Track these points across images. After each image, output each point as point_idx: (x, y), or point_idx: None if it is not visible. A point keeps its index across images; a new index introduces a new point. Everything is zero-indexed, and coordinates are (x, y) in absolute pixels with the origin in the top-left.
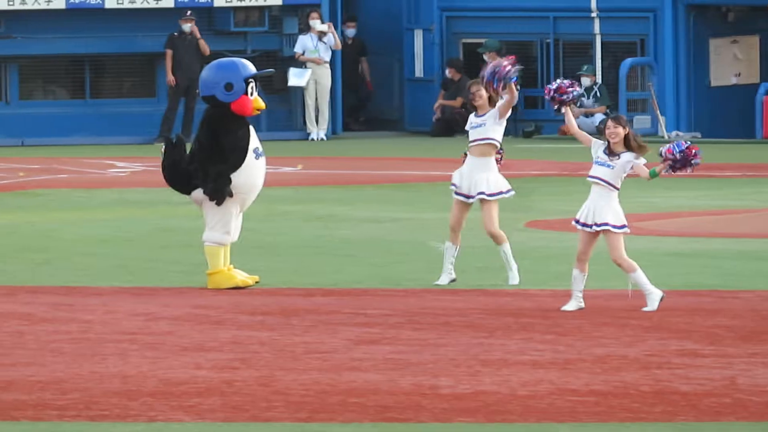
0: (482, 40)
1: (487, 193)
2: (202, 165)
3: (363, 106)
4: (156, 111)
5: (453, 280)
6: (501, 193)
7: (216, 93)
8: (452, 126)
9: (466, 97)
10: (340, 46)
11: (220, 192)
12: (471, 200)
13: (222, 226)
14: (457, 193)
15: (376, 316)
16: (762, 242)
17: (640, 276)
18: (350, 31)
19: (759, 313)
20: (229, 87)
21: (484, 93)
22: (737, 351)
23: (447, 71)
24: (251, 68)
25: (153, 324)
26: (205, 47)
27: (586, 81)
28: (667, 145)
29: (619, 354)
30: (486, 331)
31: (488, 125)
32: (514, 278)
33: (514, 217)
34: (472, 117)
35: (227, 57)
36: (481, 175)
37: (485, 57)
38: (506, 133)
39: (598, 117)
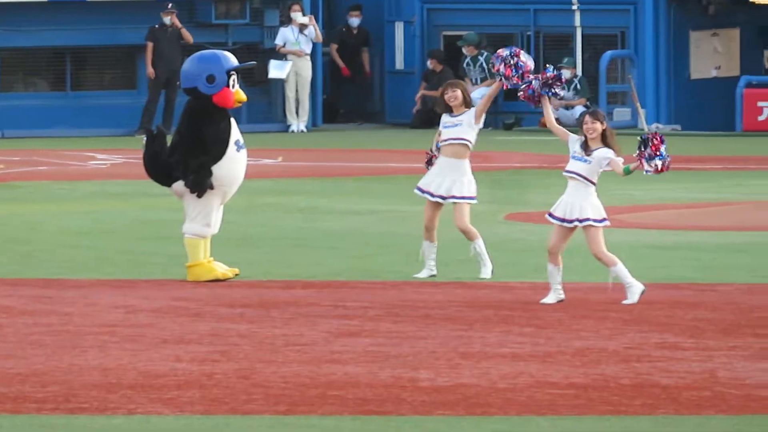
0: (463, 33)
1: (458, 196)
2: (183, 157)
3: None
4: (137, 103)
5: (433, 276)
6: (473, 198)
7: (198, 85)
8: (433, 117)
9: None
10: (321, 39)
11: (201, 184)
12: (444, 201)
13: (202, 218)
14: (430, 194)
15: (356, 308)
16: (742, 235)
17: (621, 269)
18: (354, 21)
19: (739, 306)
20: (211, 79)
21: (459, 95)
22: (717, 344)
23: (429, 62)
24: (233, 60)
25: (133, 316)
26: (189, 36)
27: (566, 73)
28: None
29: (599, 347)
30: (465, 323)
31: (464, 125)
32: (487, 273)
33: (494, 210)
34: (446, 116)
35: (208, 49)
36: (455, 177)
37: (464, 50)
38: (486, 125)
39: (578, 109)
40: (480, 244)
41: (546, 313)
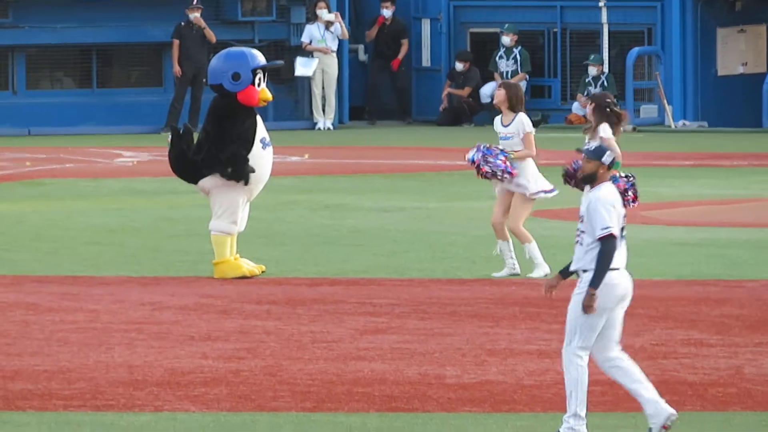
0: (489, 30)
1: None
2: (212, 153)
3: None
4: (163, 100)
5: (515, 274)
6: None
7: (223, 82)
8: (459, 115)
9: (474, 87)
10: (347, 36)
11: (241, 172)
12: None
13: (229, 216)
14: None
15: (383, 305)
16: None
17: (534, 248)
18: (387, 12)
19: (765, 303)
20: (236, 77)
21: (502, 94)
22: (743, 340)
23: (458, 65)
24: (260, 59)
25: (159, 313)
26: (212, 35)
27: (592, 70)
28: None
29: (626, 343)
30: (492, 320)
31: (515, 139)
32: (539, 271)
33: None
34: (498, 123)
35: (235, 46)
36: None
37: (504, 39)
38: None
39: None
40: (532, 247)
41: None
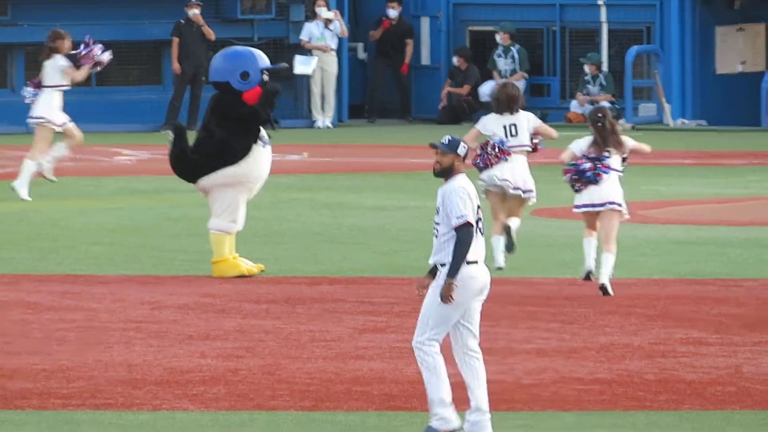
0: (488, 28)
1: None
2: (215, 151)
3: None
4: (162, 99)
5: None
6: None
7: (231, 80)
8: (458, 113)
9: (473, 85)
10: (346, 34)
11: (271, 95)
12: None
13: (228, 215)
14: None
15: (382, 304)
16: (767, 230)
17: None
18: (392, 12)
19: (764, 302)
20: (245, 76)
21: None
22: (742, 339)
23: (455, 59)
24: (266, 60)
25: (158, 312)
26: (210, 33)
27: (586, 69)
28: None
29: (624, 342)
30: (491, 319)
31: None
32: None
33: None
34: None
35: (235, 45)
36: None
37: (498, 38)
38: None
39: (604, 105)
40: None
41: (571, 308)
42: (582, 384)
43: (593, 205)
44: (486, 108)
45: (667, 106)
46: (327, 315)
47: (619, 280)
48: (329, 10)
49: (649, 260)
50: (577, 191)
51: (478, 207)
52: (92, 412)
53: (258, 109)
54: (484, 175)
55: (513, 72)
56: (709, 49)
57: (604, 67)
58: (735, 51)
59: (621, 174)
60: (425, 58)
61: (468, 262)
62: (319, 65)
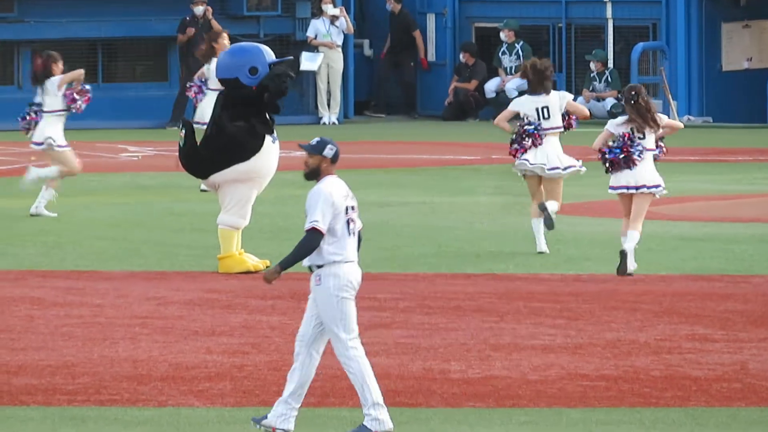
0: (495, 24)
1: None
2: (228, 147)
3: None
4: (168, 95)
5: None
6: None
7: (240, 76)
8: (465, 109)
9: (481, 81)
10: (352, 30)
11: (280, 77)
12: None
13: (239, 210)
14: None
15: (387, 300)
16: None
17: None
18: (389, 6)
19: None
20: (254, 71)
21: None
22: (748, 336)
23: (461, 55)
24: (273, 55)
25: (164, 308)
26: (218, 27)
27: (592, 66)
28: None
29: (630, 339)
30: (497, 315)
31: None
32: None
33: (525, 202)
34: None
35: (240, 41)
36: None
37: (502, 36)
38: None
39: (609, 101)
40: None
41: (577, 304)
42: (587, 380)
43: (627, 188)
44: (492, 104)
45: (673, 103)
46: None
47: (625, 276)
48: (335, 6)
49: (655, 256)
50: (612, 173)
51: (352, 207)
52: (97, 408)
53: (263, 88)
54: (518, 161)
55: (518, 68)
56: (715, 45)
57: (610, 64)
58: (741, 48)
59: (656, 153)
60: (431, 55)
61: (344, 262)
62: (325, 62)
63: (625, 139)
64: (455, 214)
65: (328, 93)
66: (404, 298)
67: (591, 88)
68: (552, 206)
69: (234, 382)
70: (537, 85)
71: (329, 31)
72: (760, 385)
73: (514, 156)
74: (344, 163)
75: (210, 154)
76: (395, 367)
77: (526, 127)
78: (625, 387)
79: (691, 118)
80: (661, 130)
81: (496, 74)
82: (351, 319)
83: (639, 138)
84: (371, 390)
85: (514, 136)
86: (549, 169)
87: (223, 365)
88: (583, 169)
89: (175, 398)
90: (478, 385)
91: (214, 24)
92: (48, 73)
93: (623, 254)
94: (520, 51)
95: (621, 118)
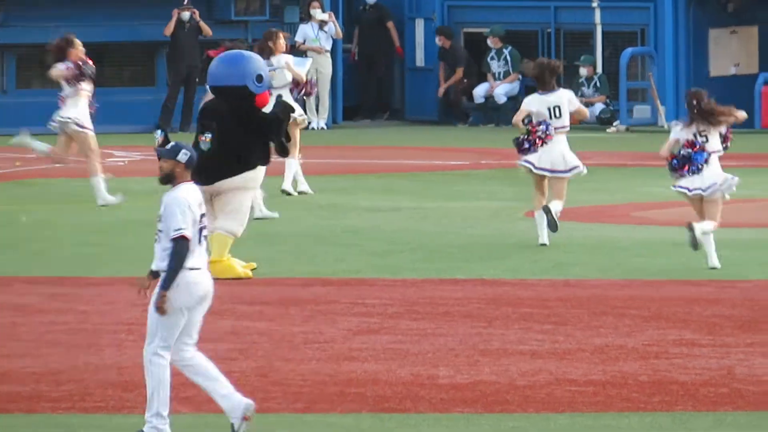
0: (483, 30)
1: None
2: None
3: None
4: (155, 100)
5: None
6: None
7: (248, 83)
8: (454, 108)
9: (466, 65)
10: (341, 35)
11: (284, 117)
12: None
13: (241, 218)
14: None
15: (376, 305)
16: (761, 232)
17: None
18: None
19: (757, 303)
20: (260, 79)
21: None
22: (735, 341)
23: (437, 39)
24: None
25: None
26: (207, 29)
27: (583, 71)
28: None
29: (618, 344)
30: (485, 320)
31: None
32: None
33: (514, 207)
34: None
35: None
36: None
37: (489, 42)
38: (508, 123)
39: (598, 106)
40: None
41: (565, 310)
42: (576, 385)
43: (697, 190)
44: (480, 109)
45: (661, 108)
46: (320, 316)
47: (613, 281)
48: (324, 11)
49: (644, 261)
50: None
51: (203, 215)
52: (83, 415)
53: (281, 118)
54: (522, 161)
55: (507, 74)
56: (703, 51)
57: (599, 69)
58: (728, 53)
59: (721, 152)
60: (420, 60)
61: (191, 269)
62: (313, 67)
63: (690, 150)
64: (446, 219)
65: (317, 98)
66: (393, 303)
67: (580, 94)
68: (555, 207)
69: None
70: (547, 83)
71: (318, 36)
72: (746, 389)
73: (525, 153)
74: (334, 168)
75: (225, 161)
76: (384, 372)
77: (537, 127)
78: (612, 392)
79: (679, 123)
80: (724, 128)
81: (485, 80)
82: (173, 332)
83: (703, 142)
84: (160, 400)
85: (523, 135)
86: (551, 173)
87: None
88: (585, 170)
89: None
90: (467, 391)
91: (203, 26)
92: (62, 57)
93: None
94: (508, 56)
95: (682, 122)
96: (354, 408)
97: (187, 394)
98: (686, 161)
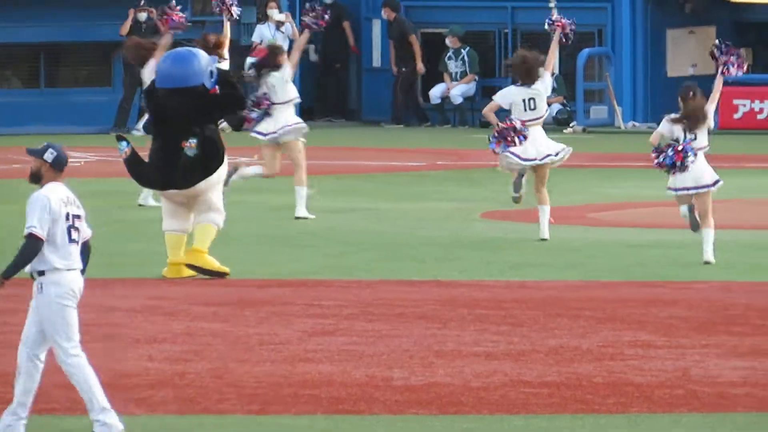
0: (441, 30)
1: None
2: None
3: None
4: (112, 100)
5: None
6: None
7: (205, 81)
8: (414, 87)
9: (413, 31)
10: (298, 36)
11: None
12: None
13: (222, 209)
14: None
15: (331, 307)
16: (719, 233)
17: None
18: None
19: (713, 304)
20: (212, 74)
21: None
22: (691, 342)
23: (382, 12)
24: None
25: (107, 316)
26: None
27: (448, 42)
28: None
29: (573, 345)
30: (440, 322)
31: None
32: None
33: (470, 208)
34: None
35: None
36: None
37: (448, 42)
38: (463, 123)
39: (555, 107)
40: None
41: (521, 311)
42: (530, 387)
43: (686, 189)
44: (436, 109)
45: (618, 109)
46: (276, 318)
47: (569, 282)
48: (281, 12)
49: (599, 263)
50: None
51: (77, 216)
52: (36, 416)
53: (232, 82)
54: (504, 162)
55: (464, 74)
56: (661, 51)
57: (556, 70)
58: (686, 54)
59: (707, 148)
60: (376, 60)
61: (68, 270)
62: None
63: (677, 146)
64: (401, 220)
65: None
66: (348, 305)
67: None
68: (543, 211)
69: (176, 390)
70: (526, 76)
71: (274, 37)
72: (702, 391)
73: (501, 151)
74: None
75: (204, 162)
76: (338, 374)
77: (513, 121)
78: (567, 394)
79: (636, 124)
80: (710, 126)
81: (442, 80)
82: (73, 327)
83: (691, 139)
84: (96, 396)
85: (498, 131)
86: (540, 160)
87: (165, 373)
88: (570, 149)
89: (116, 406)
90: (421, 392)
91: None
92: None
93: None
94: (466, 57)
95: (673, 116)
96: (308, 410)
97: (142, 395)
98: (678, 154)
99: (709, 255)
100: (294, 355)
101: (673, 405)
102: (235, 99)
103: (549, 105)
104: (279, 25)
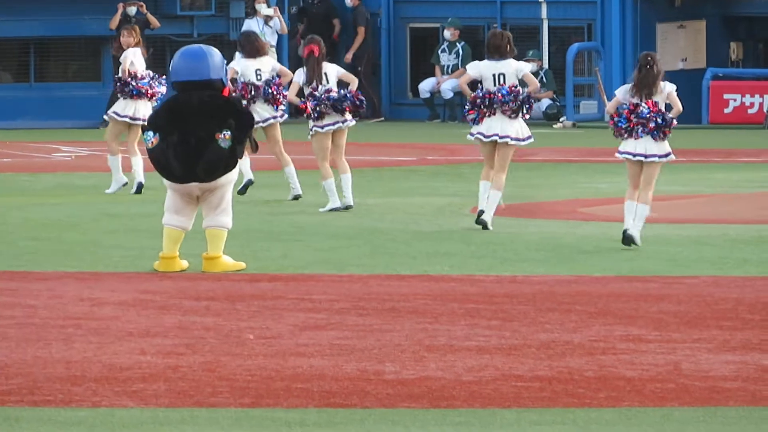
0: (430, 25)
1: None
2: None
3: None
4: (102, 95)
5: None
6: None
7: (223, 77)
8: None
9: (364, 23)
10: (286, 31)
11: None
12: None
13: (230, 210)
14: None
15: (322, 301)
16: (708, 228)
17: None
18: None
19: (704, 299)
20: (226, 72)
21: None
22: (682, 336)
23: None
24: None
25: (98, 309)
26: (155, 21)
27: (531, 66)
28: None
29: (564, 339)
30: (431, 316)
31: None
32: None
33: (459, 203)
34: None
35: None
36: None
37: (446, 34)
38: (453, 119)
39: (545, 102)
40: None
41: (512, 305)
42: (522, 381)
43: (634, 154)
44: (428, 105)
45: (608, 104)
46: (267, 312)
47: (560, 277)
48: (269, 6)
49: (590, 257)
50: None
51: None
52: (31, 408)
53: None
54: (474, 130)
55: (456, 67)
56: (650, 46)
57: (545, 65)
58: (676, 48)
59: (671, 122)
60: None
61: None
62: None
63: (630, 109)
64: (391, 215)
65: None
66: (339, 299)
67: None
68: (489, 215)
69: (168, 383)
70: (492, 50)
71: (263, 31)
72: (693, 385)
73: (471, 121)
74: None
75: (222, 157)
76: (330, 368)
77: (482, 92)
78: (558, 387)
79: None
80: (667, 100)
81: (432, 74)
82: None
83: (644, 109)
84: None
85: (469, 105)
86: (500, 138)
87: (157, 366)
88: (533, 138)
89: (109, 399)
90: (413, 386)
91: (150, 18)
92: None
93: (628, 238)
94: (460, 50)
95: (629, 85)
96: (300, 403)
97: (135, 388)
98: (631, 114)
99: (635, 231)
100: (286, 349)
101: (664, 399)
102: (246, 121)
103: (539, 100)
104: (267, 19)
